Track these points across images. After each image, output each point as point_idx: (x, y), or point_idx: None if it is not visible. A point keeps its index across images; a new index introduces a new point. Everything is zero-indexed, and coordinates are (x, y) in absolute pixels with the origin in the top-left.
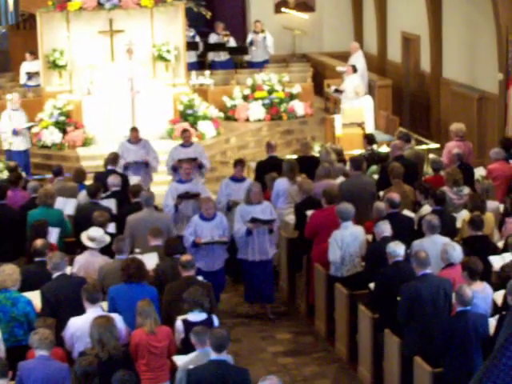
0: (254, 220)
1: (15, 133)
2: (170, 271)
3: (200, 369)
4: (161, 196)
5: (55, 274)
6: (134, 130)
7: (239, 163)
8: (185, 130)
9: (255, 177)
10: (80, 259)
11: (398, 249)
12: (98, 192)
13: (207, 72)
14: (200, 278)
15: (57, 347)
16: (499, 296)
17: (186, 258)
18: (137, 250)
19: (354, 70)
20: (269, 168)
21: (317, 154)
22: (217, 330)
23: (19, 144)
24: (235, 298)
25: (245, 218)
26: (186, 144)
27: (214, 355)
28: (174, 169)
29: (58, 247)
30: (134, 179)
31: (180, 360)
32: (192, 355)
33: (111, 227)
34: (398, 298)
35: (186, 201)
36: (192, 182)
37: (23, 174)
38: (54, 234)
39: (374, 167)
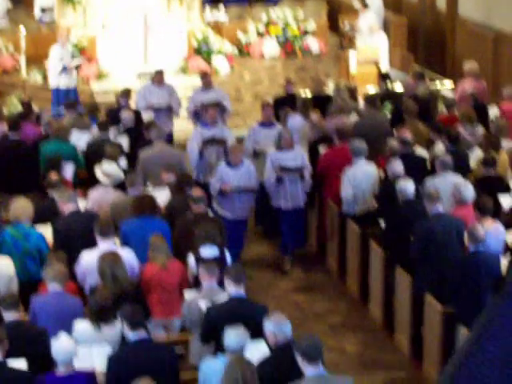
0: (283, 168)
1: (65, 70)
2: (181, 207)
3: (219, 306)
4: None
5: (67, 209)
6: (159, 73)
7: (267, 106)
8: (205, 74)
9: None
10: (93, 194)
11: (408, 187)
12: (110, 127)
13: (222, 7)
14: (211, 214)
15: (69, 281)
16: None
17: (197, 192)
18: (149, 187)
19: (365, 5)
20: (286, 105)
21: (331, 92)
22: (234, 264)
23: (67, 82)
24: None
25: (275, 165)
26: (207, 88)
27: (232, 289)
28: (195, 114)
29: (72, 183)
30: (147, 116)
31: (189, 293)
32: (200, 289)
33: (122, 162)
34: (411, 238)
35: (210, 147)
36: (217, 127)
37: (36, 109)
38: (68, 170)
39: (388, 105)
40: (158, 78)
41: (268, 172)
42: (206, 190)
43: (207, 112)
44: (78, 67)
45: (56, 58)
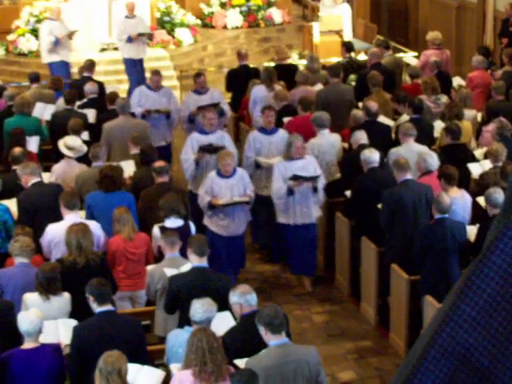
0: (295, 177)
1: (130, 41)
2: (146, 179)
3: (182, 275)
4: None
5: (31, 182)
6: (156, 74)
7: (269, 110)
8: (199, 74)
9: (226, 86)
10: (57, 168)
11: (372, 155)
12: (75, 99)
13: None
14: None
15: (36, 255)
16: (481, 201)
17: (159, 163)
18: (114, 159)
19: None
20: (240, 76)
21: (294, 62)
22: (197, 235)
23: (135, 53)
24: None
25: (285, 176)
26: (202, 90)
27: (195, 261)
28: (190, 119)
29: (37, 156)
30: (111, 87)
31: (151, 266)
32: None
33: (85, 135)
34: (379, 205)
35: (208, 155)
36: (217, 133)
37: None
38: (33, 143)
39: (352, 76)
40: (154, 80)
41: (276, 183)
42: None
43: (204, 116)
44: (150, 37)
45: (121, 29)
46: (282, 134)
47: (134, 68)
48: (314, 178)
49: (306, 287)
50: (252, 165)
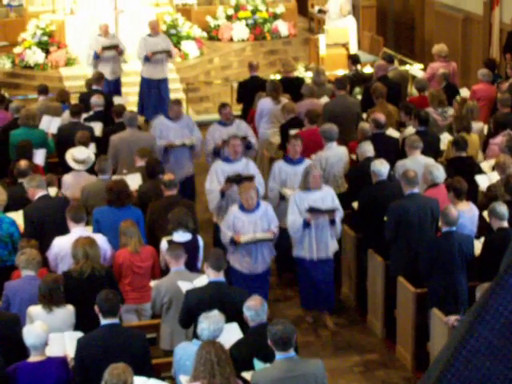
0: (311, 210)
1: (146, 59)
2: (152, 192)
3: (199, 290)
4: None
5: (38, 195)
6: (176, 103)
7: (295, 139)
8: (224, 105)
9: (237, 97)
10: (67, 180)
11: (382, 168)
12: (81, 112)
13: None
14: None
15: (42, 268)
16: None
17: (168, 176)
18: (124, 171)
19: None
20: (251, 88)
21: (300, 75)
22: (214, 249)
23: (153, 72)
24: None
25: (301, 208)
26: (227, 122)
27: (212, 275)
28: (216, 152)
29: (43, 169)
30: (117, 99)
31: (155, 281)
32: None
33: (91, 147)
34: (385, 218)
35: (235, 185)
36: (242, 161)
37: (6, 95)
38: (39, 156)
39: (358, 88)
40: (174, 110)
41: (292, 215)
42: None
43: (229, 144)
44: (169, 54)
45: (141, 47)
46: (307, 163)
47: (148, 88)
48: (330, 211)
49: (328, 326)
50: (276, 197)
